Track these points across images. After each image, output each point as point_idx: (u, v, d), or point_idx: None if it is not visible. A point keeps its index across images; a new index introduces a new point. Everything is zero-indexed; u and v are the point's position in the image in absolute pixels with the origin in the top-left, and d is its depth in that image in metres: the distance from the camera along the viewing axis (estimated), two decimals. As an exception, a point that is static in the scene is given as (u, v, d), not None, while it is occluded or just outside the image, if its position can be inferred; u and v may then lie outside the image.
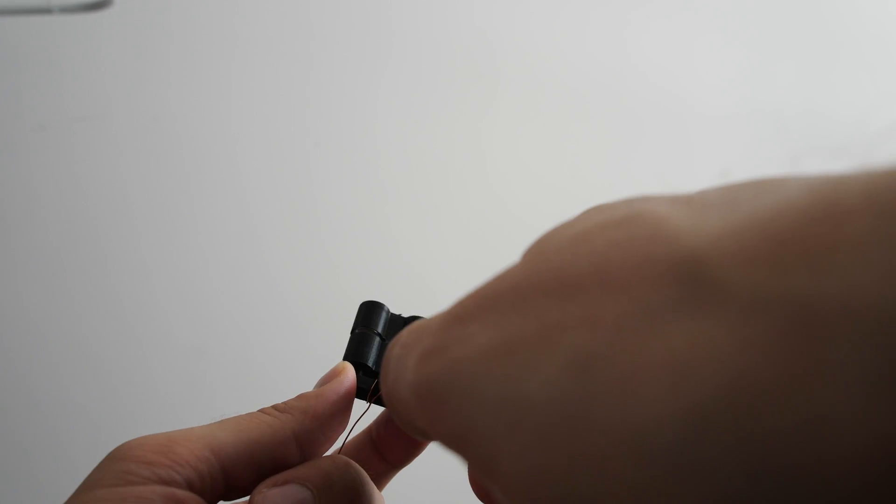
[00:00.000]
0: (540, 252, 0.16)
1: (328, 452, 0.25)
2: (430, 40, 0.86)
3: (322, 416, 0.24)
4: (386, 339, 0.27)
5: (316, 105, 0.82)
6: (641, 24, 0.93)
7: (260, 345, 0.73)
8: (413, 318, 0.27)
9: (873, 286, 0.10)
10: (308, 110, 0.82)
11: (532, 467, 0.13)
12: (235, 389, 0.71)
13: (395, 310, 0.28)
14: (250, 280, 0.75)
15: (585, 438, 0.12)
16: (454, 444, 0.16)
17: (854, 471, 0.10)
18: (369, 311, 0.27)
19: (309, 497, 0.21)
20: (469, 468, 0.21)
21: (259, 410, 0.24)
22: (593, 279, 0.13)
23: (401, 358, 0.18)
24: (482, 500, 0.22)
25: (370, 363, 0.26)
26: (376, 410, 0.26)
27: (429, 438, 0.19)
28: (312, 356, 0.69)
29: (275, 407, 0.24)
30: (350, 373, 0.25)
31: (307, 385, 0.26)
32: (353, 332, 0.27)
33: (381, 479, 0.27)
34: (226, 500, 0.22)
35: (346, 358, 0.26)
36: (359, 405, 0.26)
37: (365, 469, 0.24)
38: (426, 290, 0.77)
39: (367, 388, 0.26)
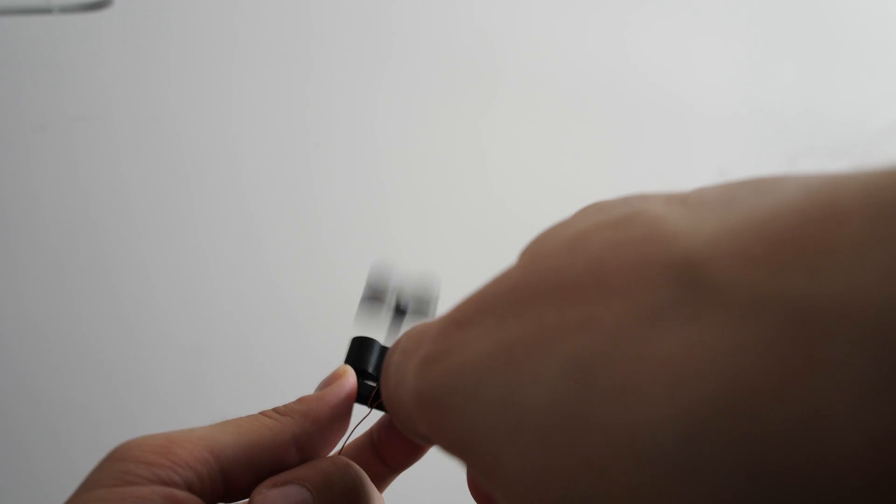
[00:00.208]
0: (537, 253, 0.16)
1: (329, 455, 0.25)
2: (430, 40, 0.86)
3: (322, 419, 0.24)
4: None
5: (316, 105, 0.82)
6: (641, 24, 0.93)
7: (260, 345, 0.73)
8: None
9: (870, 287, 0.10)
10: (308, 110, 0.82)
11: (534, 470, 0.13)
12: (235, 389, 0.71)
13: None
14: (250, 280, 0.75)
15: (585, 441, 0.12)
16: (456, 448, 0.16)
17: (852, 471, 0.10)
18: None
19: (309, 498, 0.21)
20: (468, 472, 0.21)
21: (259, 413, 0.24)
22: (590, 281, 0.13)
23: (401, 364, 0.18)
24: (479, 502, 0.22)
25: (371, 368, 0.26)
26: (377, 414, 0.26)
27: (430, 443, 0.19)
28: (312, 356, 0.69)
29: (275, 410, 0.24)
30: (351, 377, 0.25)
31: (307, 385, 0.26)
32: (350, 346, 0.27)
33: (381, 482, 0.27)
34: (225, 501, 0.22)
35: (347, 362, 0.26)
36: (359, 409, 0.26)
37: (365, 472, 0.24)
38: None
39: (368, 393, 0.26)
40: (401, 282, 0.27)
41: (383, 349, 0.26)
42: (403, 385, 0.17)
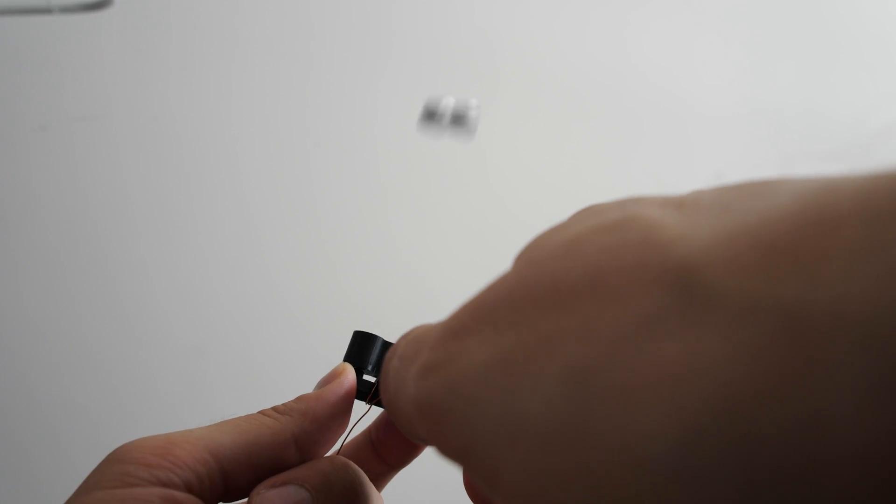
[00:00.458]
0: (532, 259, 0.16)
1: (328, 454, 0.25)
2: (430, 40, 0.86)
3: (322, 418, 0.24)
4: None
5: (316, 105, 0.82)
6: (641, 24, 0.93)
7: (260, 345, 0.73)
8: None
9: (864, 294, 0.10)
10: (308, 110, 0.82)
11: (533, 480, 0.13)
12: (235, 389, 0.71)
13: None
14: (250, 280, 0.75)
15: (584, 451, 0.12)
16: (456, 455, 0.16)
17: (855, 470, 0.10)
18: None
19: (307, 498, 0.22)
20: (464, 473, 0.21)
21: (258, 412, 0.24)
22: (586, 288, 0.13)
23: (400, 370, 0.18)
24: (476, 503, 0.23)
25: (370, 365, 0.26)
26: (376, 412, 0.26)
27: (429, 444, 0.19)
28: (312, 356, 0.69)
29: (274, 409, 0.24)
30: (350, 374, 0.25)
31: (307, 385, 0.26)
32: (350, 342, 0.27)
33: (380, 480, 0.27)
34: (225, 501, 0.22)
35: (346, 359, 0.26)
36: (358, 406, 0.26)
37: (364, 470, 0.24)
38: (425, 289, 0.77)
39: (367, 390, 0.26)
40: (447, 103, 0.30)
41: (384, 345, 0.27)
42: (403, 392, 0.17)
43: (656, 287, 0.12)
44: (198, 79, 0.80)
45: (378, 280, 0.77)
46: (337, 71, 0.83)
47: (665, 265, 0.12)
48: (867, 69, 0.97)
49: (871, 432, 0.09)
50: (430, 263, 0.79)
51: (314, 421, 0.23)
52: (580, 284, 0.14)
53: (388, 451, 0.26)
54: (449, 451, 0.16)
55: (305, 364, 0.68)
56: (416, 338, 0.19)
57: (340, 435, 0.25)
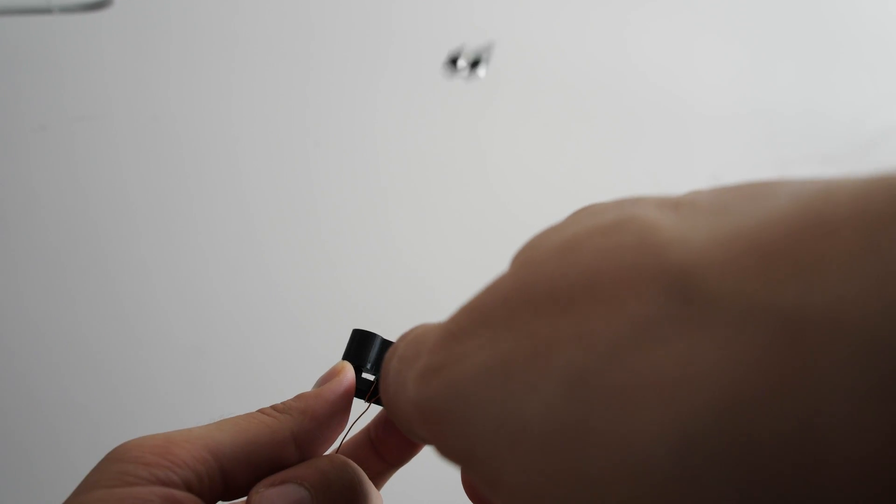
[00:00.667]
0: (528, 260, 0.16)
1: (327, 452, 0.25)
2: (430, 40, 0.86)
3: (321, 416, 0.24)
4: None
5: (316, 105, 0.82)
6: (641, 24, 0.93)
7: (260, 345, 0.73)
8: None
9: (861, 298, 0.10)
10: (308, 110, 0.82)
11: (533, 483, 0.13)
12: (235, 389, 0.71)
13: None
14: (250, 280, 0.75)
15: (583, 456, 0.12)
16: (457, 457, 0.16)
17: (854, 471, 0.10)
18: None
19: (306, 496, 0.22)
20: (462, 472, 0.21)
21: (258, 411, 0.24)
22: (582, 292, 0.13)
23: (400, 372, 0.18)
24: (474, 502, 0.23)
25: (369, 363, 0.26)
26: (375, 410, 0.26)
27: (428, 443, 0.19)
28: (312, 356, 0.69)
29: (273, 407, 0.24)
30: (349, 372, 0.25)
31: (307, 385, 0.26)
32: (349, 340, 0.27)
33: (379, 478, 0.27)
34: (224, 500, 0.22)
35: (345, 357, 0.26)
36: (357, 404, 0.26)
37: (363, 468, 0.24)
38: (425, 288, 0.77)
39: (366, 388, 0.26)
40: (469, 49, 0.32)
41: (383, 343, 0.27)
42: (403, 394, 0.18)
43: (653, 290, 0.12)
44: (198, 79, 0.80)
45: (378, 280, 0.77)
46: (337, 71, 0.83)
47: (662, 268, 0.12)
48: (867, 70, 0.97)
49: (869, 435, 0.09)
50: (430, 263, 0.79)
51: (313, 419, 0.23)
52: (577, 288, 0.14)
53: (387, 450, 0.26)
54: (449, 453, 0.16)
55: (305, 364, 0.68)
56: (416, 339, 0.19)
57: (339, 433, 0.25)
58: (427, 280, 0.78)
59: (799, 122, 0.93)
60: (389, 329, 0.27)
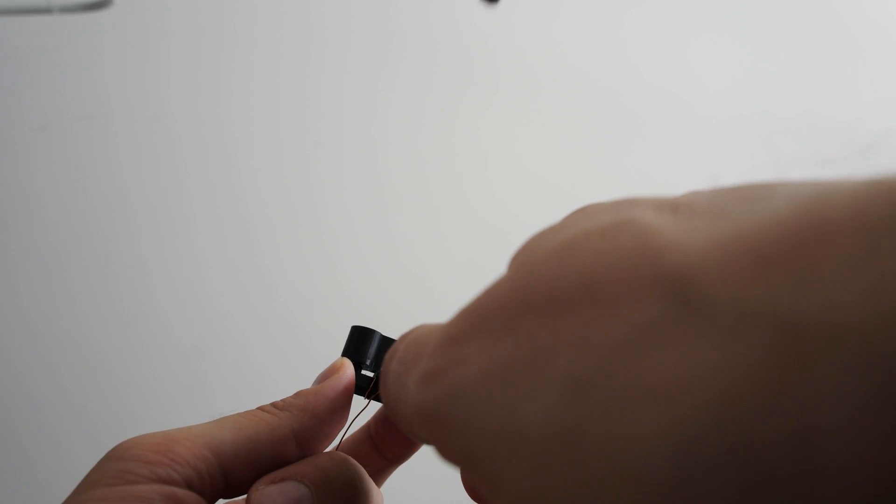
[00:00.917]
0: (526, 263, 0.16)
1: (327, 449, 0.25)
2: (430, 40, 0.86)
3: (321, 413, 0.24)
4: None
5: (316, 105, 0.82)
6: (640, 25, 0.93)
7: (260, 345, 0.73)
8: None
9: (858, 303, 0.10)
10: (308, 110, 0.82)
11: (533, 487, 0.13)
12: (235, 389, 0.71)
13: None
14: (250, 280, 0.75)
15: (581, 462, 0.12)
16: (457, 460, 0.16)
17: (846, 483, 0.10)
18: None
19: (306, 494, 0.22)
20: (462, 473, 0.21)
21: (258, 408, 0.24)
22: (581, 296, 0.13)
23: (399, 375, 0.18)
24: (475, 501, 0.23)
25: (369, 360, 0.26)
26: (375, 407, 0.26)
27: (428, 444, 0.19)
28: (312, 355, 0.69)
29: (273, 405, 0.24)
30: (349, 369, 0.25)
31: (307, 384, 0.26)
32: (349, 337, 0.27)
33: (379, 475, 0.27)
34: (225, 497, 0.22)
35: (345, 353, 0.26)
36: (357, 401, 0.26)
37: (363, 465, 0.24)
38: (425, 288, 0.77)
39: (366, 385, 0.26)
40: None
41: (382, 340, 0.27)
42: (403, 398, 0.18)
43: (651, 295, 0.12)
44: (198, 79, 0.80)
45: (378, 280, 0.77)
46: (337, 71, 0.83)
47: (660, 271, 0.12)
48: (866, 72, 0.97)
49: (866, 440, 0.09)
50: (430, 263, 0.79)
51: (313, 416, 0.24)
52: (575, 292, 0.14)
53: (387, 447, 0.26)
54: (449, 455, 0.16)
55: (305, 364, 0.68)
56: (415, 341, 0.19)
57: (339, 430, 0.25)
58: (427, 280, 0.78)
59: (798, 123, 0.93)
60: (389, 329, 0.27)
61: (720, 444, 0.11)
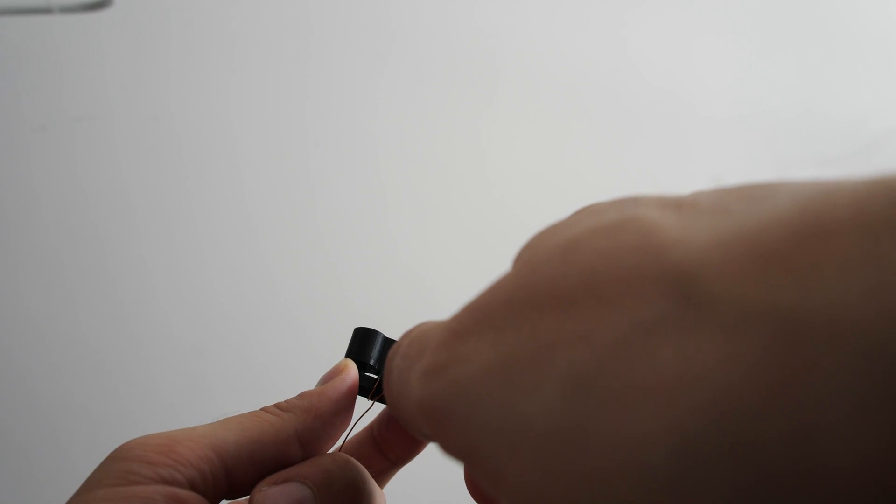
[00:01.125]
0: (530, 261, 0.16)
1: (330, 450, 0.25)
2: (430, 40, 0.86)
3: (324, 414, 0.24)
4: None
5: (316, 105, 0.82)
6: (641, 25, 0.93)
7: (260, 345, 0.73)
8: None
9: (858, 302, 0.10)
10: (308, 110, 0.82)
11: (534, 482, 0.13)
12: (235, 389, 0.71)
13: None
14: (250, 280, 0.75)
15: (583, 458, 0.12)
16: (460, 455, 0.16)
17: (846, 481, 0.10)
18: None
19: (309, 495, 0.22)
20: (465, 471, 0.21)
21: (261, 409, 0.24)
22: (584, 293, 0.14)
23: (403, 371, 0.18)
24: (477, 501, 0.23)
25: (372, 361, 0.26)
26: (378, 408, 0.26)
27: (432, 441, 0.19)
28: (312, 356, 0.69)
29: (277, 406, 0.24)
30: (352, 370, 0.25)
31: (307, 384, 0.26)
32: (352, 338, 0.27)
33: (382, 476, 0.27)
34: (228, 499, 0.22)
35: (348, 354, 0.26)
36: (360, 402, 0.26)
37: (366, 466, 0.24)
38: (425, 288, 0.77)
39: (369, 386, 0.26)
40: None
41: (385, 340, 0.27)
42: (406, 393, 0.18)
43: (653, 292, 0.12)
44: (198, 79, 0.80)
45: (378, 280, 0.77)
46: (337, 71, 0.83)
47: (663, 269, 0.12)
48: (867, 71, 0.97)
49: (866, 438, 0.09)
50: (430, 263, 0.79)
51: (317, 417, 0.24)
52: (578, 289, 0.14)
53: (390, 448, 0.26)
54: (452, 450, 0.16)
55: (305, 364, 0.68)
56: (419, 337, 0.19)
57: (343, 431, 0.25)
58: (427, 280, 0.78)
59: (798, 123, 0.93)
60: (390, 329, 0.27)
61: (721, 443, 0.11)
